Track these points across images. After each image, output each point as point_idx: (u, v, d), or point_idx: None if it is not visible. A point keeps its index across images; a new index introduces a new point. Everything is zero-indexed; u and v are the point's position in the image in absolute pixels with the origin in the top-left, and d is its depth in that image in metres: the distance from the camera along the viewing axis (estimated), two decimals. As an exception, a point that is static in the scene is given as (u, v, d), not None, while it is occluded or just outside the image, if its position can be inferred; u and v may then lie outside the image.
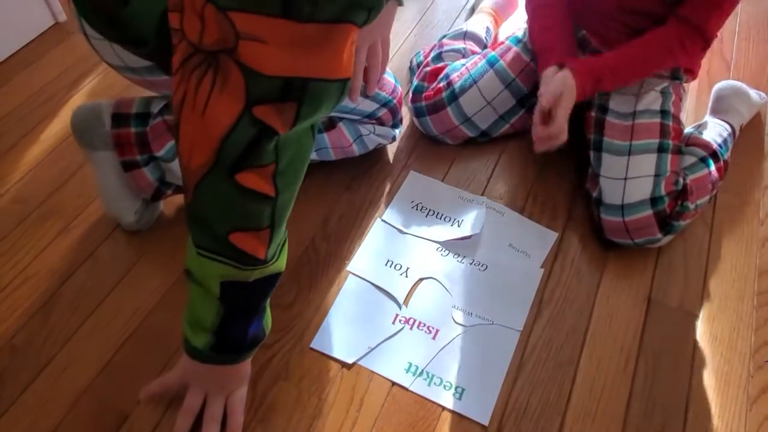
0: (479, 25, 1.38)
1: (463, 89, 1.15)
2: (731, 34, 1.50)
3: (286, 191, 0.67)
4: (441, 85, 1.18)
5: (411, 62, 1.38)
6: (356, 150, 1.09)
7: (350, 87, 0.96)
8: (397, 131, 1.13)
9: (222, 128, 0.60)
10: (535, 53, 1.11)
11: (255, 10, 0.55)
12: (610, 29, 1.09)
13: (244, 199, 0.65)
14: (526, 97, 1.16)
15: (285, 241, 0.74)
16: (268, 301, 0.78)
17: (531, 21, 1.13)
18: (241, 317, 0.75)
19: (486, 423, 0.85)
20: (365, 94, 1.03)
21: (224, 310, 0.73)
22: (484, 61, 1.18)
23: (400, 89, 1.11)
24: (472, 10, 1.52)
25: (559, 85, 0.99)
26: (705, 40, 1.01)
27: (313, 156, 1.07)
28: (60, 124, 1.24)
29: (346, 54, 0.61)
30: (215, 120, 0.60)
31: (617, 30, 1.08)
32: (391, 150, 1.20)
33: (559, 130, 0.98)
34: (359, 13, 0.59)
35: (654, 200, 0.98)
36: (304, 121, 0.63)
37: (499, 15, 1.45)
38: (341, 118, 1.05)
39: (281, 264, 0.74)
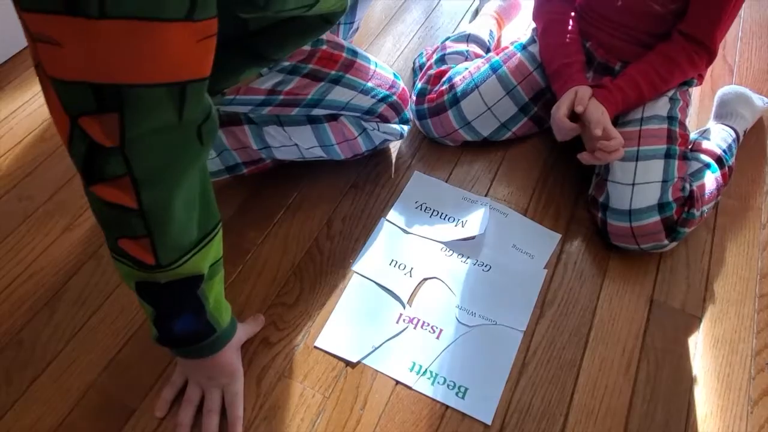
0: (482, 28, 1.39)
1: (465, 93, 1.16)
2: (734, 39, 1.50)
3: (155, 201, 0.63)
4: (443, 88, 1.18)
5: (414, 63, 1.38)
6: (362, 144, 1.07)
7: None
8: (405, 128, 1.12)
9: (65, 141, 0.59)
10: (547, 68, 1.12)
11: (37, 8, 0.50)
12: (615, 38, 1.10)
13: (108, 210, 0.63)
14: (527, 105, 1.17)
15: (198, 245, 0.71)
16: (219, 299, 0.78)
17: (542, 37, 1.14)
18: (168, 314, 0.74)
19: (489, 422, 0.86)
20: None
21: (151, 307, 0.74)
22: (487, 65, 1.18)
23: (401, 84, 1.08)
24: (476, 13, 1.53)
25: (597, 113, 1.01)
26: (710, 53, 1.04)
27: (322, 155, 1.07)
28: (66, 121, 1.24)
29: (169, 54, 0.54)
30: (59, 133, 0.59)
31: (621, 39, 1.09)
32: (395, 150, 1.21)
33: (620, 139, 1.00)
34: (172, 3, 0.52)
35: (662, 206, 0.99)
36: (137, 131, 0.57)
37: (502, 18, 1.45)
38: (340, 114, 1.05)
39: (197, 267, 0.71)
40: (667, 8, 1.03)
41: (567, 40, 1.10)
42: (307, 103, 0.98)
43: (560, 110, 1.03)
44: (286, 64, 0.92)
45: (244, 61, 0.76)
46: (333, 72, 0.96)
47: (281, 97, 0.95)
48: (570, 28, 1.11)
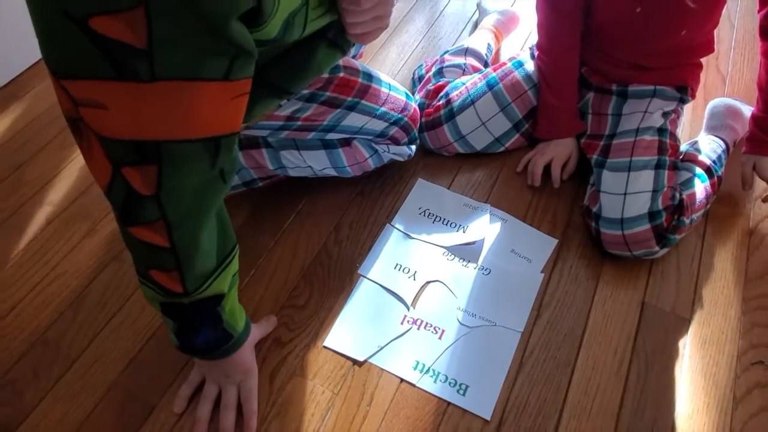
0: (480, 41, 1.43)
1: (461, 108, 1.21)
2: (727, 49, 1.55)
3: (185, 239, 0.68)
4: (440, 103, 1.23)
5: (414, 74, 1.42)
6: (371, 164, 1.12)
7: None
8: (413, 147, 1.15)
9: (104, 187, 0.63)
10: (542, 98, 1.18)
11: (89, 77, 0.53)
12: (612, 65, 1.14)
13: (142, 246, 0.69)
14: (520, 122, 1.22)
15: (219, 268, 0.76)
16: (233, 307, 0.83)
17: (546, 54, 1.18)
18: (189, 329, 0.80)
19: (488, 418, 0.91)
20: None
21: (172, 323, 0.79)
22: (483, 82, 1.22)
23: (413, 105, 1.11)
24: (476, 25, 1.57)
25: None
26: None
27: (333, 173, 1.11)
28: (84, 129, 1.29)
29: (206, 111, 0.58)
30: (97, 179, 0.64)
31: (619, 66, 1.14)
32: (400, 158, 1.26)
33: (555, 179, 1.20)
34: (213, 65, 0.55)
35: (652, 214, 1.03)
36: (173, 181, 0.62)
37: (501, 32, 1.49)
38: (354, 138, 1.09)
39: (219, 288, 0.77)
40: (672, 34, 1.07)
41: (568, 84, 1.17)
42: (323, 128, 1.02)
43: (553, 170, 1.19)
44: (305, 92, 0.96)
45: (260, 94, 0.80)
46: (349, 99, 1.00)
47: (299, 123, 0.99)
48: (574, 72, 1.17)
